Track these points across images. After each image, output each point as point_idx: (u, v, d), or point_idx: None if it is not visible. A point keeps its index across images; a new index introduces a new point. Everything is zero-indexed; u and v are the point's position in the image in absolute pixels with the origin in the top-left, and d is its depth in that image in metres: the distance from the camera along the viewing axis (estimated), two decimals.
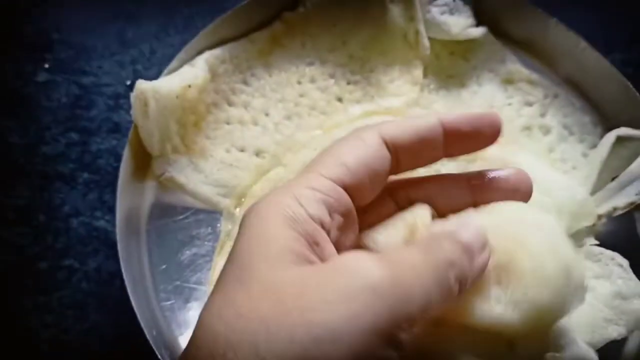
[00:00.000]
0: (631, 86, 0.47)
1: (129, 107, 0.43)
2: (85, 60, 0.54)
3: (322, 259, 0.25)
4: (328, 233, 0.26)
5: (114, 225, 0.45)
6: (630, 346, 0.43)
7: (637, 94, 0.47)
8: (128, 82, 0.53)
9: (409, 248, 0.25)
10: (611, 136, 0.46)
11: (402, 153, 0.28)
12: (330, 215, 0.26)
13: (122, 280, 0.39)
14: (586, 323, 0.40)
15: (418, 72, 0.49)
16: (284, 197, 0.25)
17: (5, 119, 0.51)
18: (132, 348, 0.42)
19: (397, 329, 0.21)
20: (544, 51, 0.51)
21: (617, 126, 0.47)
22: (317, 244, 0.25)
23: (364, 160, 0.27)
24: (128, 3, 0.57)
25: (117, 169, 0.45)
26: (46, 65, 0.53)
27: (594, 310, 0.41)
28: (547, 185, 0.44)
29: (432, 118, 0.29)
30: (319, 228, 0.25)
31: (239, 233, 0.25)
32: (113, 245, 0.43)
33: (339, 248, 0.27)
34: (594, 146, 0.48)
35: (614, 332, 0.40)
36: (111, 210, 0.48)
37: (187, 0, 0.57)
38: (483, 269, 0.26)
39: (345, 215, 0.27)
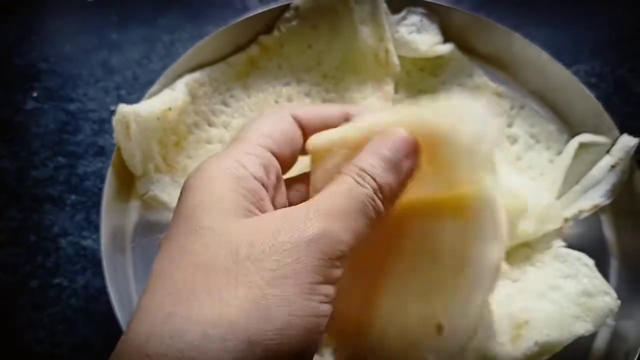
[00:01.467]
0: (592, 95, 0.50)
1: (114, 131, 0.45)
2: (72, 88, 0.56)
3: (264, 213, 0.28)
4: (267, 191, 0.29)
5: (100, 244, 0.47)
6: (598, 342, 0.45)
7: (598, 102, 0.49)
8: (112, 107, 0.56)
9: (336, 195, 0.27)
10: (574, 143, 0.48)
11: (309, 131, 0.33)
12: (267, 176, 0.29)
13: (109, 296, 0.41)
14: (555, 320, 0.42)
15: (389, 88, 0.51)
16: (226, 160, 0.29)
17: None
18: None
19: (332, 267, 0.25)
20: (509, 65, 0.54)
21: (582, 133, 0.49)
22: (261, 199, 0.28)
23: (284, 133, 0.31)
24: (112, 32, 0.60)
25: (102, 190, 0.46)
26: (34, 94, 0.56)
27: (562, 308, 0.42)
28: (514, 191, 0.46)
29: (333, 107, 0.34)
30: (260, 186, 0.28)
31: (184, 194, 0.28)
32: (100, 263, 0.45)
33: (274, 206, 0.30)
34: (560, 153, 0.50)
35: (582, 328, 0.42)
36: (98, 229, 0.49)
37: (168, 28, 0.60)
38: (411, 174, 0.29)
39: (277, 177, 0.31)
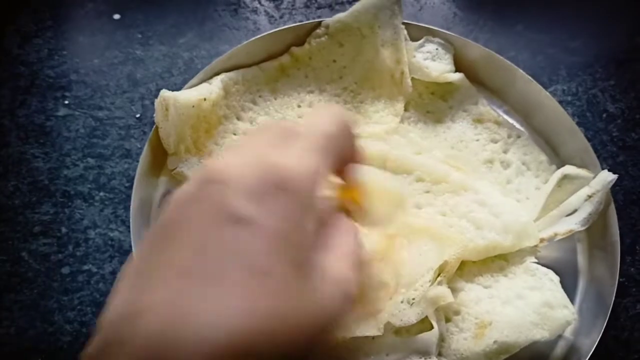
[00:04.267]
0: (582, 135, 0.55)
1: (139, 136, 0.55)
2: (100, 97, 0.63)
3: None
4: None
5: (126, 235, 0.55)
6: (557, 353, 0.49)
7: (587, 141, 0.54)
8: (137, 115, 0.62)
9: None
10: (559, 173, 0.53)
11: None
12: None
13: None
14: (516, 324, 0.47)
15: (400, 106, 0.57)
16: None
17: (32, 148, 0.60)
18: None
19: None
20: (512, 98, 0.59)
21: (569, 165, 0.54)
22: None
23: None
24: (136, 49, 0.66)
25: (128, 188, 0.55)
26: (66, 102, 0.62)
27: (524, 314, 0.47)
28: (497, 209, 0.52)
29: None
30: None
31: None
32: (126, 252, 0.55)
33: None
34: (547, 181, 0.55)
35: (538, 334, 0.46)
36: (124, 222, 0.57)
37: (187, 46, 0.66)
38: None
39: None
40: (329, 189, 0.33)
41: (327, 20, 0.58)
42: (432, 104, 0.59)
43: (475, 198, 0.53)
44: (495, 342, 0.46)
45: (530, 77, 0.57)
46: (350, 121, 0.33)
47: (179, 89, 0.54)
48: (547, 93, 0.57)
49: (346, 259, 0.30)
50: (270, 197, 0.26)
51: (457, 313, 0.49)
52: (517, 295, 0.49)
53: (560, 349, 0.49)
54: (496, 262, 0.51)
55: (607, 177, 0.51)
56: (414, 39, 0.58)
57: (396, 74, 0.58)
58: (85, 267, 0.55)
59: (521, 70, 0.58)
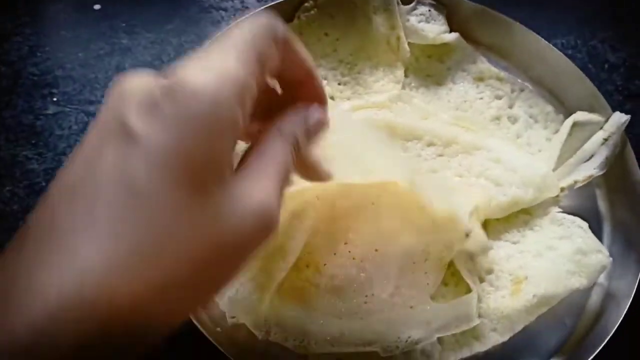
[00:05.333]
0: (589, 80, 0.54)
1: None
2: (90, 91, 0.60)
3: None
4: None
5: None
6: (593, 299, 0.48)
7: (592, 84, 0.54)
8: None
9: None
10: (570, 121, 0.53)
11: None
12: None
13: None
14: (552, 276, 0.46)
15: (400, 72, 0.56)
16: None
17: (25, 149, 0.56)
18: None
19: None
20: (510, 52, 0.58)
21: (575, 110, 0.54)
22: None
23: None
24: (122, 38, 0.63)
25: None
26: (55, 99, 0.59)
27: (558, 265, 0.47)
28: (513, 164, 0.51)
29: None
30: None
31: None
32: None
33: None
34: (557, 131, 0.54)
35: (577, 282, 0.46)
36: None
37: (175, 32, 0.63)
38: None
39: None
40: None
41: None
42: (431, 67, 0.58)
43: (489, 156, 0.51)
44: (534, 296, 0.45)
45: (527, 29, 0.56)
46: (275, 22, 0.28)
47: None
48: (547, 43, 0.56)
49: (269, 184, 0.27)
50: (162, 111, 0.23)
51: (489, 272, 0.48)
52: (548, 247, 0.48)
53: (596, 295, 0.48)
54: (520, 217, 0.50)
55: (620, 118, 0.51)
56: (404, 2, 0.57)
57: (392, 40, 0.56)
58: None
59: (517, 23, 0.57)
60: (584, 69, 0.55)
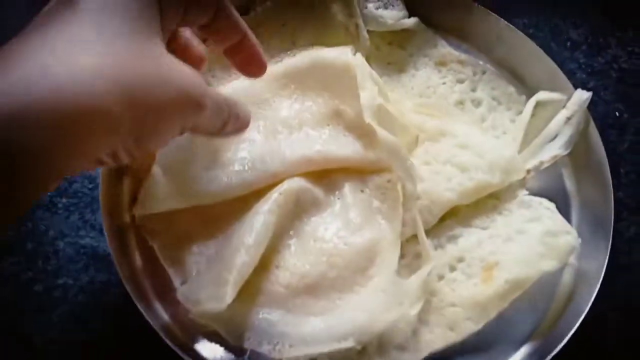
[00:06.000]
0: (549, 58, 0.54)
1: None
2: None
3: None
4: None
5: (99, 240, 0.51)
6: (564, 279, 0.48)
7: (554, 63, 0.53)
8: None
9: None
10: (532, 101, 0.52)
11: None
12: None
13: (116, 287, 0.46)
14: (523, 260, 0.46)
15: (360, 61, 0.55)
16: None
17: None
18: (135, 345, 0.47)
19: None
20: (470, 34, 0.58)
21: (537, 90, 0.53)
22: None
23: None
24: None
25: (92, 190, 0.50)
26: None
27: (528, 248, 0.46)
28: (479, 149, 0.50)
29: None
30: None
31: None
32: (101, 258, 0.51)
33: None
34: (520, 112, 0.54)
35: (547, 265, 0.46)
36: (94, 227, 0.52)
37: None
38: None
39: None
40: None
41: None
42: (392, 54, 0.57)
43: (455, 142, 0.51)
44: (506, 281, 0.45)
45: (487, 10, 0.56)
46: None
47: None
48: (507, 23, 0.55)
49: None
50: None
51: (461, 260, 0.47)
52: (518, 231, 0.48)
53: (567, 275, 0.48)
54: (489, 202, 0.50)
55: (582, 95, 0.51)
56: None
57: (350, 27, 0.55)
58: (60, 281, 0.50)
59: (476, 4, 0.56)
60: (546, 47, 0.55)
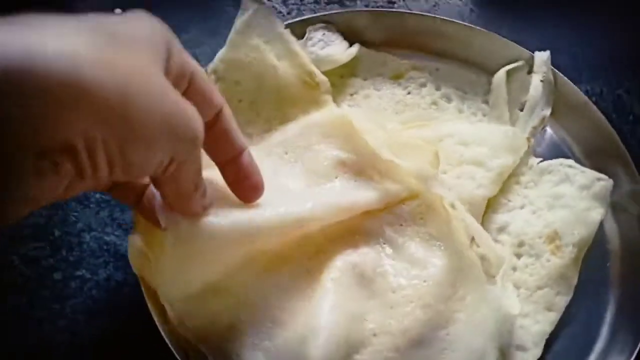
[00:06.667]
0: (485, 30, 0.57)
1: None
2: None
3: None
4: None
5: (122, 239, 0.53)
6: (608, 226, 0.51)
7: (494, 34, 0.56)
8: None
9: None
10: (498, 79, 0.55)
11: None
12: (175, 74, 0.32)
13: (130, 287, 0.49)
14: (574, 220, 0.48)
15: (331, 104, 0.54)
16: (169, 33, 0.33)
17: None
18: (139, 348, 0.47)
19: None
20: (411, 40, 0.59)
21: (495, 68, 0.56)
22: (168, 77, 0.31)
23: None
24: None
25: None
26: None
27: (573, 207, 0.49)
28: (476, 138, 0.52)
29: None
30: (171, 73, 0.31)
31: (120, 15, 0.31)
32: (122, 257, 0.52)
33: None
34: (487, 93, 0.56)
35: (597, 214, 0.48)
36: (120, 226, 0.53)
37: (192, 42, 0.61)
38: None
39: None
40: None
41: (210, 64, 0.52)
42: (349, 85, 0.57)
43: (454, 141, 0.52)
44: (573, 245, 0.47)
45: (413, 12, 0.57)
46: None
47: None
48: (440, 17, 0.57)
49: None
50: None
51: (521, 244, 0.49)
52: (553, 196, 0.50)
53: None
54: (509, 184, 0.52)
55: (542, 56, 0.54)
56: (298, 37, 0.55)
57: (306, 78, 0.54)
58: (79, 273, 0.51)
59: (405, 12, 0.58)
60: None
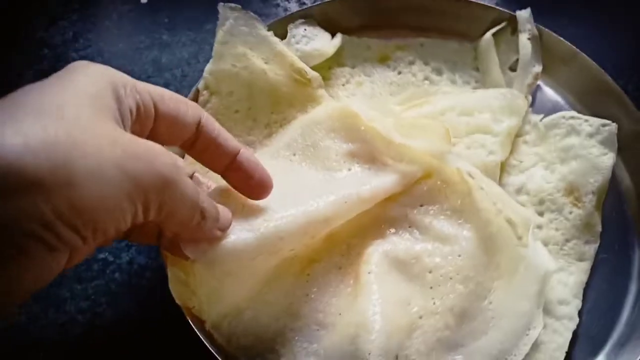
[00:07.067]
0: (458, 2, 0.57)
1: None
2: None
3: None
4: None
5: None
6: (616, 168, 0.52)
7: (475, 1, 0.57)
8: None
9: None
10: (484, 44, 0.55)
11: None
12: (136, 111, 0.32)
13: (152, 272, 0.50)
14: (588, 168, 0.49)
15: (326, 97, 0.53)
16: (116, 75, 0.32)
17: None
18: (159, 331, 0.48)
19: None
20: (386, 20, 0.59)
21: (478, 34, 0.56)
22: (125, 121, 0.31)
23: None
24: (162, 33, 0.66)
25: None
26: None
27: (585, 156, 0.50)
28: (477, 105, 0.52)
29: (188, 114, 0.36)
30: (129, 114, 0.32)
31: (61, 77, 0.30)
32: None
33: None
34: (475, 58, 0.57)
35: (608, 159, 0.50)
36: None
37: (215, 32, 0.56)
38: None
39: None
40: None
41: (201, 81, 0.51)
42: (338, 75, 0.56)
43: (457, 112, 0.52)
44: (593, 193, 0.48)
45: None
46: None
47: None
48: None
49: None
50: None
51: (542, 202, 0.50)
52: (563, 149, 0.51)
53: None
54: (518, 143, 0.52)
55: (524, 14, 0.55)
56: (280, 36, 0.54)
57: (297, 76, 0.53)
58: (101, 256, 0.52)
59: None
60: None
